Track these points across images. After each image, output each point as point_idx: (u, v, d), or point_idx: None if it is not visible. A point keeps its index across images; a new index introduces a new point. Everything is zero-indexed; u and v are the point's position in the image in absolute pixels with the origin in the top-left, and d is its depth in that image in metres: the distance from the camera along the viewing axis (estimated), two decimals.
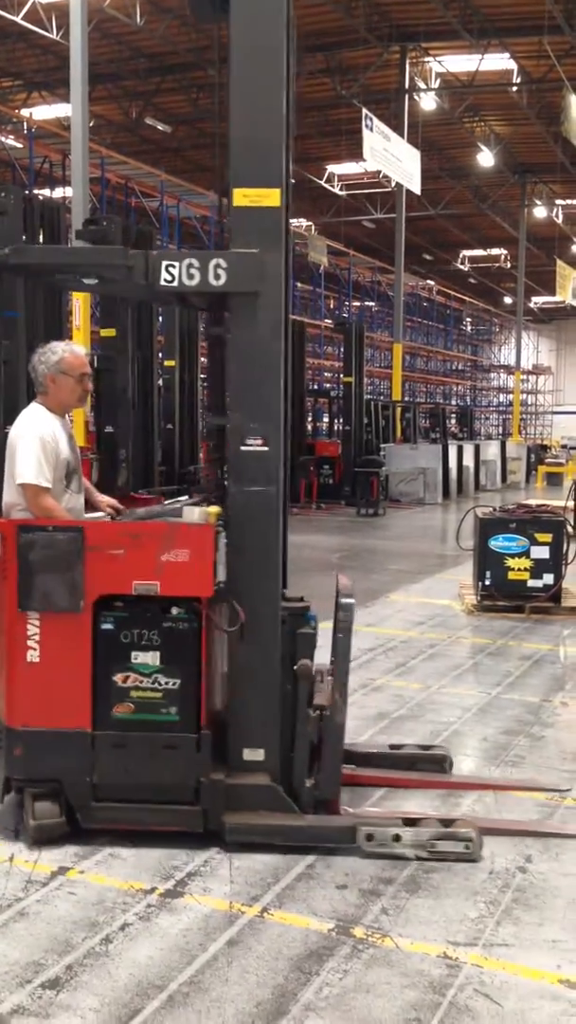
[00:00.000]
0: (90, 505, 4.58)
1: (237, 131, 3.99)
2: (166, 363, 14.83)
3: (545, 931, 3.41)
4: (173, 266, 3.95)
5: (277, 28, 3.99)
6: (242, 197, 3.96)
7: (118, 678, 3.96)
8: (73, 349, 4.39)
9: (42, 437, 4.14)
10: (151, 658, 3.95)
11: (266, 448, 3.99)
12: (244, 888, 3.67)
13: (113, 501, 4.70)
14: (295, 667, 4.02)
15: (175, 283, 3.95)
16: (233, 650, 4.05)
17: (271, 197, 3.95)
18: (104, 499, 4.68)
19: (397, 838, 3.90)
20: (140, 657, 3.95)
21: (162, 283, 3.96)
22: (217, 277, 3.93)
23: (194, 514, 3.98)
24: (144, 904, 3.54)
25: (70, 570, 3.90)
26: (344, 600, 4.06)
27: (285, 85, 4.04)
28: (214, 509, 4.02)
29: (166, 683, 3.94)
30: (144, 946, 3.27)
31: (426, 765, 4.78)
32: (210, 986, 3.05)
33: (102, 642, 3.96)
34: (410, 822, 4.00)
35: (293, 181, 4.24)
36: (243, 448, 4.00)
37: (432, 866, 3.87)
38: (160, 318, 14.29)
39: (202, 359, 19.30)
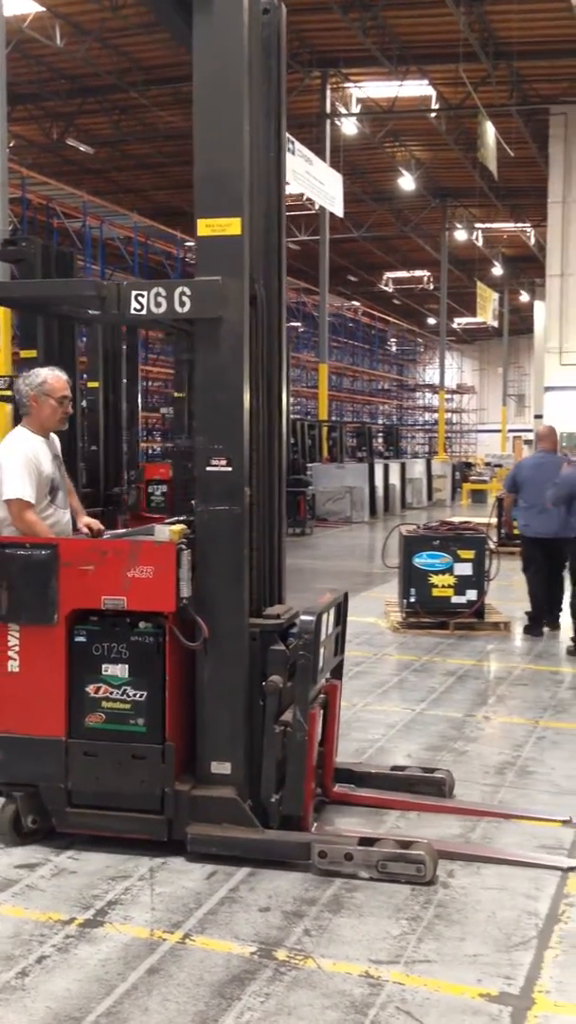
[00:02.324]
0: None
1: (200, 163, 4.14)
2: (89, 384, 14.70)
3: (466, 946, 3.42)
4: (142, 295, 4.15)
5: (236, 63, 4.09)
6: (205, 227, 4.11)
7: (90, 689, 4.14)
8: (56, 374, 4.64)
9: (26, 455, 4.42)
10: (120, 670, 4.12)
11: (230, 468, 4.10)
12: (166, 915, 3.62)
13: (92, 521, 4.94)
14: (264, 683, 4.08)
15: (144, 311, 4.13)
16: (200, 664, 4.14)
17: (232, 226, 4.09)
18: (85, 520, 4.92)
19: (349, 857, 3.92)
20: (110, 669, 4.13)
21: (132, 311, 4.14)
22: (182, 304, 4.10)
23: (164, 532, 4.12)
24: (62, 935, 3.47)
25: (45, 585, 4.12)
26: (304, 617, 4.10)
27: (247, 118, 4.14)
28: (178, 527, 4.15)
29: (134, 695, 4.10)
30: (62, 978, 3.20)
31: (424, 788, 4.77)
32: (129, 1016, 2.99)
33: (76, 654, 4.15)
34: (367, 842, 4.01)
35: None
36: (208, 468, 4.11)
37: (356, 885, 3.87)
38: (83, 338, 14.18)
39: (125, 380, 19.21)
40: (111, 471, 15.02)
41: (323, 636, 4.26)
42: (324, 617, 4.25)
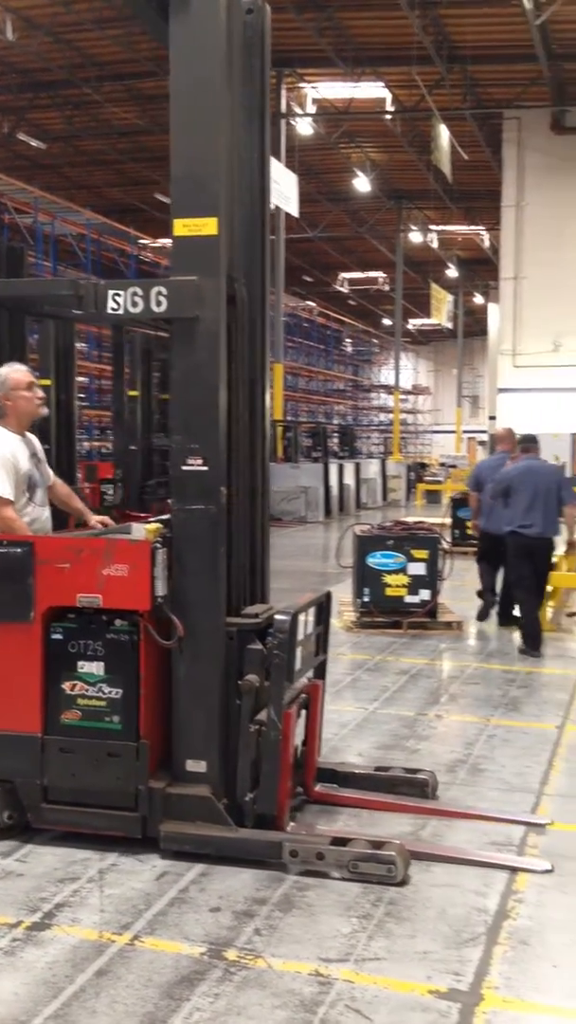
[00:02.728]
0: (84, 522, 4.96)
1: (177, 164, 4.15)
2: (41, 382, 14.53)
3: (416, 943, 3.43)
4: (119, 295, 4.17)
5: (212, 64, 4.09)
6: (182, 227, 4.13)
7: (66, 686, 4.16)
8: (14, 367, 4.76)
9: (2, 453, 4.46)
10: (96, 668, 4.14)
11: (206, 468, 4.10)
12: (115, 916, 3.59)
13: (104, 518, 5.00)
14: (240, 683, 4.08)
15: (121, 311, 4.16)
16: (176, 663, 4.15)
17: (209, 226, 4.10)
18: (97, 518, 4.99)
19: (320, 856, 3.92)
20: (86, 667, 4.15)
21: (109, 311, 4.16)
22: (159, 304, 4.11)
23: (140, 531, 4.13)
24: (8, 939, 3.42)
25: (21, 582, 4.15)
26: (279, 617, 4.11)
27: (226, 118, 4.15)
28: (153, 526, 4.15)
29: (110, 692, 4.12)
30: (8, 981, 3.15)
31: (407, 788, 4.76)
32: (76, 1019, 2.96)
33: (52, 651, 4.19)
34: (339, 842, 4.01)
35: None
36: (184, 468, 4.12)
37: (307, 883, 3.87)
38: (35, 335, 14.02)
39: (79, 378, 19.04)
40: (63, 470, 14.87)
41: (301, 636, 4.27)
42: (301, 617, 4.25)
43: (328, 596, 4.80)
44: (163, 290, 4.11)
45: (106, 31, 19.18)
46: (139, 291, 4.14)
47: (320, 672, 4.78)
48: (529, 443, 8.72)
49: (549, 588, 9.22)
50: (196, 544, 4.12)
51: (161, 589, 4.06)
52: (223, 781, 4.12)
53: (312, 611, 4.52)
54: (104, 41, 19.84)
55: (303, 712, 4.48)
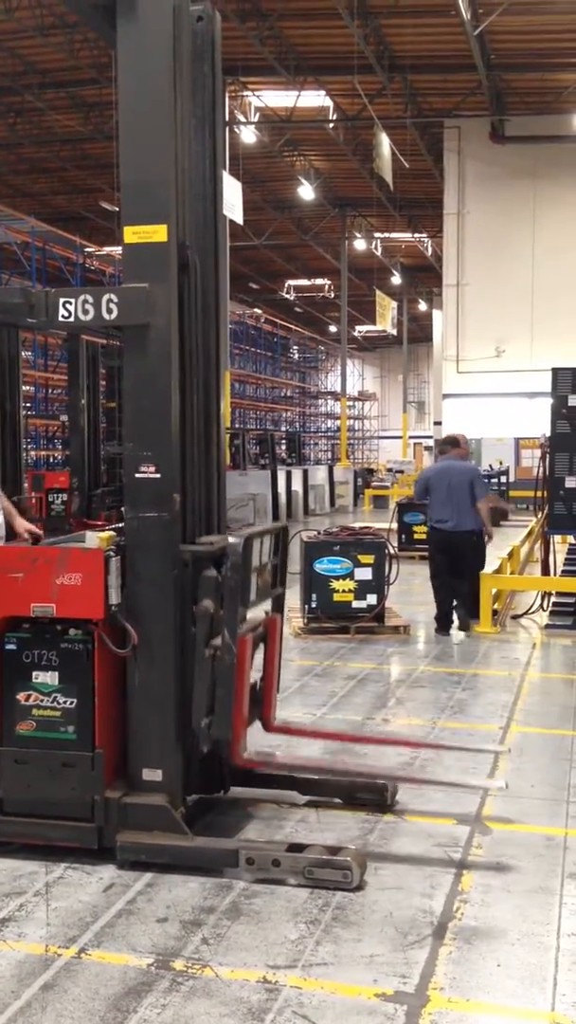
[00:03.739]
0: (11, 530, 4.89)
1: (126, 171, 4.16)
2: None
3: (363, 947, 3.46)
4: (70, 302, 4.17)
5: (160, 72, 4.10)
6: (132, 234, 4.15)
7: (21, 696, 4.13)
8: None
9: None
10: (50, 678, 4.13)
11: (159, 475, 4.10)
12: (61, 930, 3.57)
13: (31, 526, 4.96)
14: (194, 608, 4.09)
15: (72, 318, 4.18)
16: (131, 671, 4.14)
17: (159, 233, 4.11)
18: (24, 524, 4.95)
19: (276, 863, 3.93)
20: (41, 677, 4.13)
21: (60, 319, 4.18)
22: (110, 311, 4.13)
23: (93, 539, 4.12)
24: None
25: None
26: (232, 540, 4.14)
27: (174, 126, 4.16)
28: (106, 534, 4.15)
29: (64, 703, 4.11)
30: None
31: (366, 794, 4.79)
32: None
33: (6, 662, 4.16)
34: (295, 848, 4.02)
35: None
36: (137, 475, 4.12)
37: (255, 890, 3.88)
38: None
39: (25, 387, 18.83)
40: (9, 480, 14.74)
41: (256, 564, 4.28)
42: (255, 543, 4.26)
43: (285, 529, 4.78)
44: (114, 297, 4.12)
45: (48, 38, 19.07)
46: (90, 299, 4.15)
47: (278, 606, 4.77)
48: (447, 445, 9.60)
49: (493, 590, 9.36)
50: (150, 552, 4.11)
51: (115, 597, 4.05)
52: (181, 787, 4.15)
53: (268, 541, 4.52)
54: (46, 48, 19.71)
55: (261, 646, 4.50)
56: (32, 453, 24.41)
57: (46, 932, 3.54)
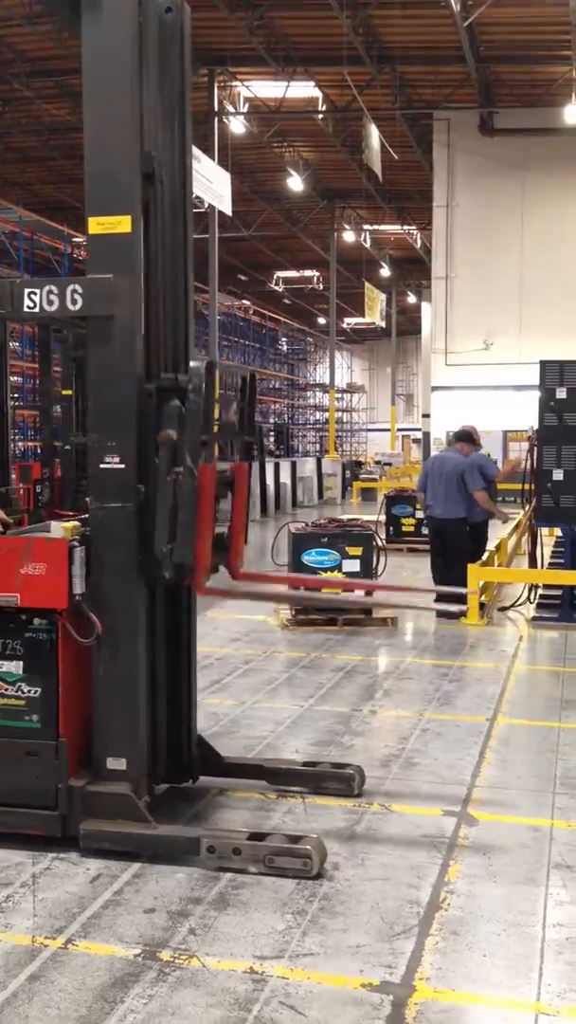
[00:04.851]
0: None
1: (90, 162, 4.17)
2: None
3: (350, 937, 3.47)
4: (35, 293, 4.18)
5: (123, 62, 4.10)
6: (96, 225, 4.17)
7: None
8: None
9: None
10: (15, 667, 4.14)
11: (123, 466, 4.10)
12: (48, 921, 3.57)
13: (1, 515, 4.97)
14: (158, 435, 4.08)
15: (36, 309, 4.17)
16: (95, 661, 4.16)
17: (123, 224, 4.11)
18: None
19: (237, 851, 3.95)
20: (5, 666, 4.15)
21: (25, 309, 4.17)
22: (74, 302, 4.13)
23: (57, 529, 4.13)
24: None
25: None
26: (193, 364, 4.14)
27: (138, 117, 4.16)
28: (71, 524, 4.17)
29: (28, 691, 4.13)
30: None
31: (333, 784, 4.82)
32: None
33: None
34: (256, 836, 4.04)
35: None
36: (101, 466, 4.13)
37: (242, 881, 3.88)
38: None
39: (13, 377, 18.76)
40: None
41: (219, 392, 4.26)
42: (219, 375, 4.23)
43: (253, 374, 4.74)
44: (78, 288, 4.14)
45: (36, 27, 18.93)
46: (55, 289, 4.16)
47: (246, 454, 4.74)
48: (456, 438, 10.21)
49: (481, 583, 9.39)
50: (114, 542, 4.13)
51: (79, 587, 4.07)
52: (147, 774, 4.20)
53: (236, 378, 4.49)
54: (34, 37, 19.57)
55: (228, 494, 4.50)
56: (20, 444, 24.31)
57: (33, 923, 3.54)
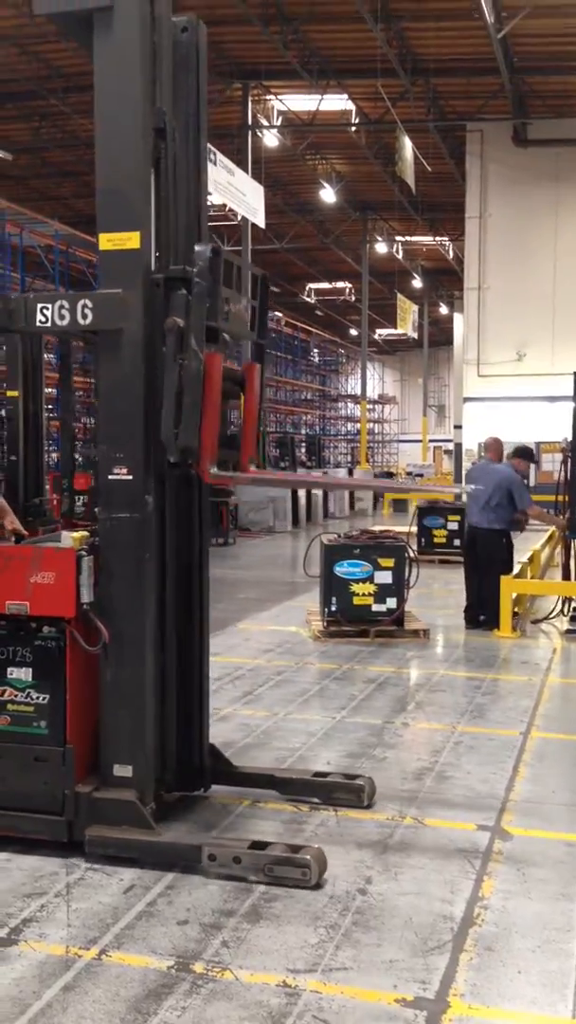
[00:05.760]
0: None
1: (100, 179, 4.26)
2: (8, 393, 14.49)
3: (383, 951, 3.46)
4: (47, 308, 4.25)
5: (133, 82, 4.16)
6: (106, 241, 4.23)
7: None
8: None
9: None
10: (24, 674, 4.23)
11: (131, 477, 4.16)
12: (82, 931, 3.58)
13: (17, 526, 5.05)
14: (165, 321, 4.08)
15: (49, 323, 4.25)
16: (103, 668, 4.22)
17: (132, 240, 4.19)
18: (11, 523, 5.03)
19: (237, 860, 3.97)
20: (15, 673, 4.24)
21: (38, 324, 4.25)
22: (84, 316, 4.20)
23: (66, 539, 4.20)
24: None
25: None
26: (198, 248, 4.14)
27: (150, 136, 4.24)
28: (79, 534, 4.24)
29: (37, 698, 4.21)
30: None
31: (343, 794, 4.81)
32: None
33: None
34: (258, 845, 4.04)
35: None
36: (110, 477, 4.19)
37: (275, 894, 3.88)
38: (2, 347, 13.96)
39: (48, 389, 18.92)
40: (31, 481, 14.82)
41: (231, 292, 4.22)
42: (227, 265, 4.20)
43: (265, 276, 4.73)
44: (88, 303, 4.21)
45: (71, 43, 19.13)
46: (66, 304, 4.24)
47: (258, 356, 4.73)
48: (514, 455, 9.87)
49: (513, 595, 9.34)
50: (121, 551, 4.19)
51: (87, 596, 4.14)
52: (153, 781, 4.25)
53: (248, 274, 4.50)
54: (69, 53, 19.80)
55: (240, 395, 4.51)
56: (54, 455, 24.49)
57: (67, 933, 3.56)
